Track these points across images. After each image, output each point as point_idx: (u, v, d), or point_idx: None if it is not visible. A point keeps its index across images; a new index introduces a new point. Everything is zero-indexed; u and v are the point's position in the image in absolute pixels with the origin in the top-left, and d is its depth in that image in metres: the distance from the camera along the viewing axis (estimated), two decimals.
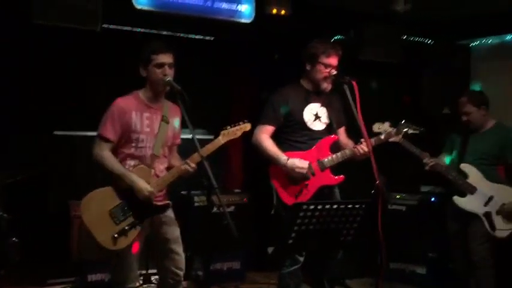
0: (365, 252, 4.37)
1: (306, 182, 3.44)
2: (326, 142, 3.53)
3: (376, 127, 3.60)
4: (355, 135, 3.53)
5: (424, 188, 4.93)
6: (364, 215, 2.94)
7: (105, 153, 2.93)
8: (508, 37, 4.98)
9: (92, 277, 4.03)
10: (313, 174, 3.45)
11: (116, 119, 2.93)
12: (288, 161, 3.41)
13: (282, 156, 3.44)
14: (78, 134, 4.33)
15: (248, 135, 3.53)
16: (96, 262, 3.93)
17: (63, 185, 4.34)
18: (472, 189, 3.89)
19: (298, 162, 3.40)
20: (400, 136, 3.70)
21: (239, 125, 3.11)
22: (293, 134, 3.53)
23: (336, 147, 3.59)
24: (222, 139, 3.05)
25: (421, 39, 5.36)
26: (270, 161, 3.51)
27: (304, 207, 2.77)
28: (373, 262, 3.39)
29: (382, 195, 3.08)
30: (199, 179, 2.87)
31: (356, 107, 3.27)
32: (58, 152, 4.34)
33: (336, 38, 5.00)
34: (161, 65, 2.93)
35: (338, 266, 3.74)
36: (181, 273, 3.11)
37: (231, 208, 4.50)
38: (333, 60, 3.47)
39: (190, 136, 2.85)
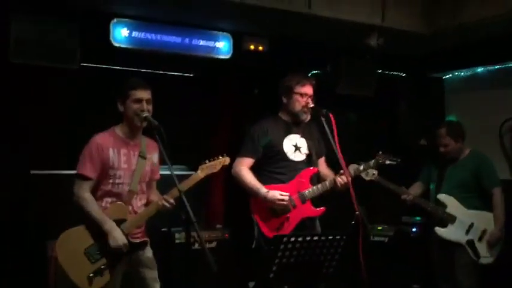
0: (349, 284, 4.36)
1: (288, 215, 3.42)
2: (306, 174, 3.54)
3: (351, 169, 3.61)
4: (334, 166, 3.56)
5: (405, 219, 4.95)
6: (345, 247, 2.94)
7: (86, 196, 2.90)
8: (479, 69, 5.13)
9: None
10: (295, 206, 3.45)
11: (95, 156, 2.91)
12: (269, 194, 3.40)
13: (262, 189, 3.43)
14: (56, 172, 4.27)
15: (229, 171, 3.54)
16: None
17: (40, 225, 4.24)
18: (452, 219, 3.94)
19: (279, 195, 3.39)
20: (376, 174, 3.78)
21: (218, 159, 3.12)
22: (273, 165, 3.53)
23: (316, 177, 3.61)
24: (200, 173, 3.05)
25: (395, 73, 5.50)
26: (250, 193, 3.50)
27: (285, 239, 2.76)
28: None
29: (362, 226, 3.08)
30: (178, 214, 2.84)
31: (334, 139, 3.31)
32: (36, 191, 4.26)
33: (313, 72, 5.10)
34: (139, 101, 2.94)
35: None
36: None
37: (213, 244, 4.45)
38: (308, 89, 3.53)
39: (169, 172, 2.82)
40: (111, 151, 2.94)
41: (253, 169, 3.55)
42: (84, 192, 2.89)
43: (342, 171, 3.40)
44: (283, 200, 3.38)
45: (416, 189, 4.19)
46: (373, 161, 3.69)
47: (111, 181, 2.93)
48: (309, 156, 3.60)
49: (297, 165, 3.54)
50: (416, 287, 4.64)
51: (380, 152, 3.73)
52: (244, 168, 3.51)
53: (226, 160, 3.15)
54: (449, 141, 4.00)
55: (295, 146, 3.57)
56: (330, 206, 3.55)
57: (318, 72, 5.06)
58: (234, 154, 3.55)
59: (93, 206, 2.88)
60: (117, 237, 2.85)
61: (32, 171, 4.24)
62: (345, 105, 5.12)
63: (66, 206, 3.24)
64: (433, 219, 4.07)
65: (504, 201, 3.93)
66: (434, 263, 4.16)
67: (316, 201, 3.53)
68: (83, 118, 4.45)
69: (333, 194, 3.53)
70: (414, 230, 4.78)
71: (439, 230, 3.99)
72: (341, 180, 3.42)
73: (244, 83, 5.12)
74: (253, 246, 3.45)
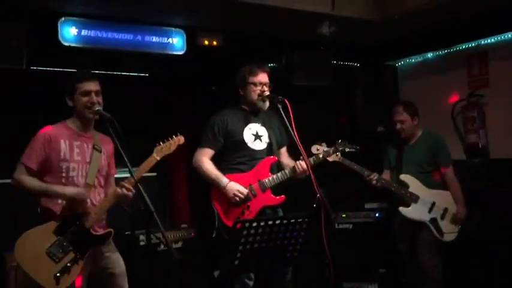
0: (316, 272, 4.36)
1: (248, 203, 3.42)
2: (266, 163, 3.55)
3: (315, 149, 3.68)
4: (294, 154, 3.57)
5: (368, 205, 5.01)
6: (309, 230, 2.93)
7: (23, 177, 2.81)
8: (429, 55, 5.27)
9: None
10: (255, 195, 3.44)
11: (40, 148, 2.83)
12: (227, 186, 3.39)
13: (223, 179, 3.42)
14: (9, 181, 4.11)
15: (191, 168, 3.52)
16: None
17: None
18: (415, 198, 4.02)
19: (236, 190, 3.39)
20: (339, 155, 3.81)
21: (172, 139, 3.04)
22: (234, 155, 3.54)
23: (276, 166, 3.61)
24: (156, 155, 2.96)
25: (350, 63, 5.58)
26: (211, 184, 3.48)
27: (247, 225, 2.73)
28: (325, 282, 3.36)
29: (324, 208, 3.08)
30: (136, 206, 2.77)
31: (291, 125, 3.32)
32: None
33: (269, 65, 5.08)
34: (87, 93, 2.87)
35: None
36: None
37: (179, 244, 4.38)
38: (262, 77, 3.54)
39: (127, 173, 2.76)
40: (62, 143, 2.86)
41: (214, 160, 3.54)
42: (23, 176, 2.82)
43: (301, 157, 3.41)
44: (241, 193, 3.37)
45: (385, 176, 4.24)
46: (332, 148, 3.74)
47: (63, 174, 2.85)
48: (269, 145, 3.61)
49: (257, 154, 3.55)
50: (382, 271, 4.69)
51: (339, 141, 3.78)
52: (206, 159, 3.50)
53: (181, 139, 3.06)
54: (406, 117, 4.11)
55: (255, 135, 3.58)
56: (292, 194, 3.56)
57: (274, 65, 5.07)
58: (194, 150, 3.54)
59: (33, 181, 2.81)
60: (72, 189, 2.80)
61: None
62: (303, 97, 5.15)
63: (24, 216, 3.13)
64: (397, 201, 4.13)
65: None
66: (399, 245, 4.22)
67: (276, 190, 3.53)
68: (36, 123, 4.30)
69: (294, 182, 3.54)
70: (377, 215, 4.84)
71: (404, 210, 4.05)
72: (300, 166, 3.42)
73: (200, 79, 5.08)
74: (214, 235, 3.42)
